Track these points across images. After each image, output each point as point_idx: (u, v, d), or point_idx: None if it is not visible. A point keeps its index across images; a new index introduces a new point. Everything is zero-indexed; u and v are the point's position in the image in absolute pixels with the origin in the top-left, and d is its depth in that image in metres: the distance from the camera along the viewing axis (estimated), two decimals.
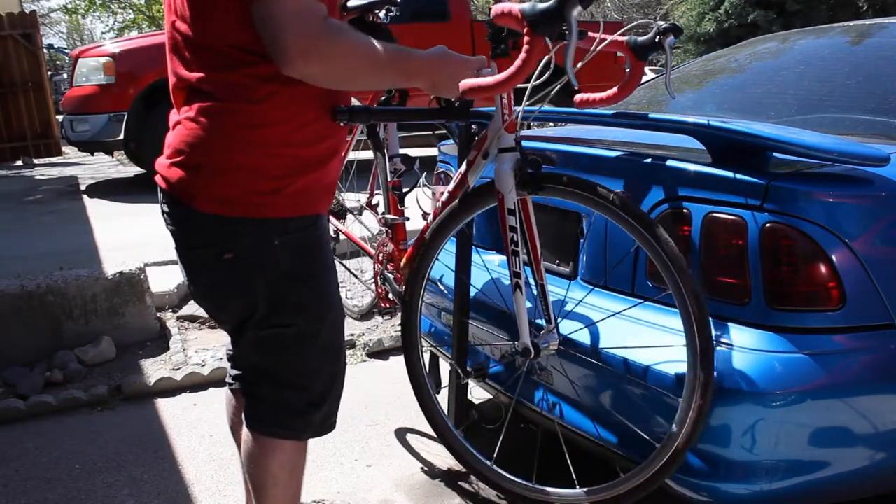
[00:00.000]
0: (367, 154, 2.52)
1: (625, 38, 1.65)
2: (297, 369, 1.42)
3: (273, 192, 1.30)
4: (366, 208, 2.66)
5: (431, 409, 2.00)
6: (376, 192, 2.57)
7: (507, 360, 1.85)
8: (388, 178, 2.26)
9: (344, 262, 2.90)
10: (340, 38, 1.23)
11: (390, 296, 2.26)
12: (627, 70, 1.68)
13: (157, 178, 1.36)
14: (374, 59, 1.28)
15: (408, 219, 2.22)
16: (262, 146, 1.28)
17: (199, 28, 1.25)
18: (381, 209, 2.43)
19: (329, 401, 1.47)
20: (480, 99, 1.46)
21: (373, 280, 2.42)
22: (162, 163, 1.35)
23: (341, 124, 1.37)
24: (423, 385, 2.01)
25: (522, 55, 1.28)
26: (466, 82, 1.39)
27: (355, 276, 2.93)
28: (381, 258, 2.26)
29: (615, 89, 1.69)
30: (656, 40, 1.61)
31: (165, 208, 1.38)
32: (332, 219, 2.68)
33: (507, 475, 1.82)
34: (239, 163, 1.28)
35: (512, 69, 1.33)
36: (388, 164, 2.25)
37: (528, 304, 1.65)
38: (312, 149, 1.33)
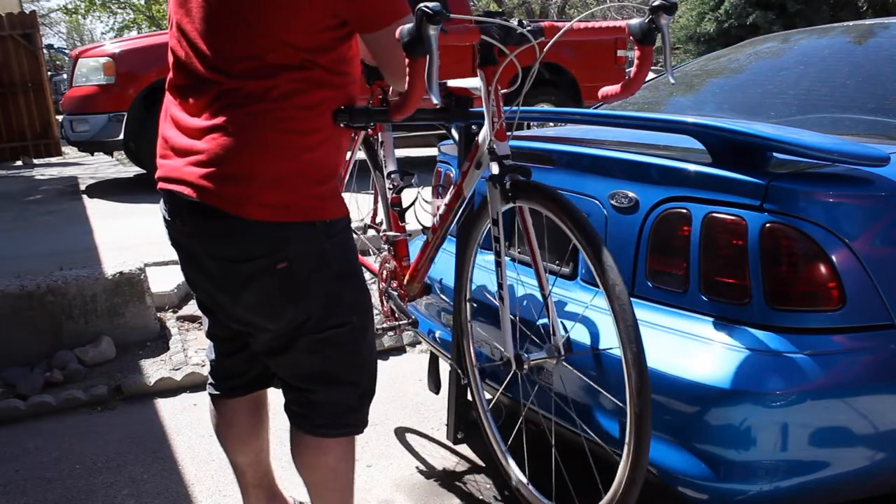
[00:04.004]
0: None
1: (625, 24, 1.59)
2: (351, 366, 1.46)
3: (322, 195, 1.34)
4: (370, 227, 2.58)
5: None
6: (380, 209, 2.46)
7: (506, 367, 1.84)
8: (388, 195, 2.23)
9: None
10: None
11: (395, 313, 2.23)
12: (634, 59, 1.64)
13: (183, 189, 1.29)
14: None
15: (409, 234, 2.21)
16: (313, 150, 1.31)
17: (268, 23, 1.24)
18: (383, 226, 2.40)
19: (374, 389, 1.53)
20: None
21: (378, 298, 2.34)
22: (191, 172, 1.28)
23: (341, 125, 1.37)
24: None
25: (407, 78, 1.28)
26: (395, 109, 1.40)
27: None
28: (384, 276, 2.24)
29: (625, 81, 1.65)
30: (648, 20, 1.49)
31: (199, 224, 1.32)
32: None
33: None
34: (294, 168, 1.29)
35: (406, 94, 1.32)
36: (385, 180, 2.23)
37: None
38: (338, 151, 1.39)
